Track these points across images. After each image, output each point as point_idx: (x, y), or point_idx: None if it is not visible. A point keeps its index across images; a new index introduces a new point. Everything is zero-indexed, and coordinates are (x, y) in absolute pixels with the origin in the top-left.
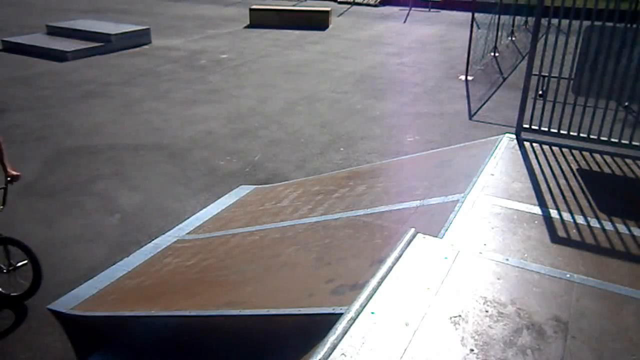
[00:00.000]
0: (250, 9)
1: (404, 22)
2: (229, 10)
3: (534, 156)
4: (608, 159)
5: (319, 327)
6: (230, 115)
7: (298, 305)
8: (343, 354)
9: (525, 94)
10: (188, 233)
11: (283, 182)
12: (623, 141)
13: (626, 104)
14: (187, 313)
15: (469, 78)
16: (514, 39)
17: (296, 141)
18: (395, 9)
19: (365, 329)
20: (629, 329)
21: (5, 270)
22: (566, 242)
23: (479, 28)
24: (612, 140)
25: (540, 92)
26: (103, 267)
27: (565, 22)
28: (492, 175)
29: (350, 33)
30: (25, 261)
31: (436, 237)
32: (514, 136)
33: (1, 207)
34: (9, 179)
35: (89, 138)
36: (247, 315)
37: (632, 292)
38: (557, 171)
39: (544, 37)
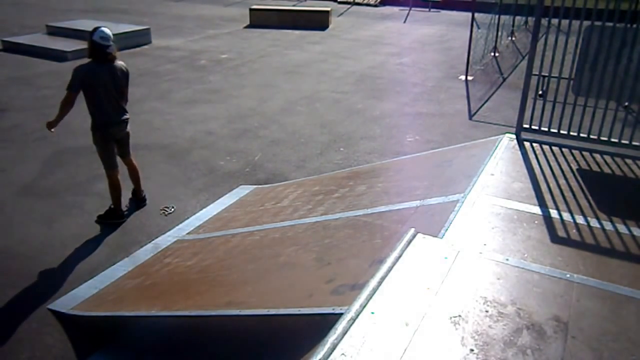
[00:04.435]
0: (250, 9)
1: (404, 22)
2: (229, 10)
3: (534, 156)
4: (608, 159)
5: (319, 327)
6: (230, 115)
7: (298, 305)
8: (343, 354)
9: (525, 94)
10: (188, 233)
11: (283, 182)
12: (623, 141)
13: (626, 104)
14: (187, 313)
15: (469, 78)
16: (514, 39)
17: (296, 141)
18: (395, 9)
19: (365, 329)
20: (629, 329)
21: None
22: (566, 242)
23: (479, 28)
24: (612, 140)
25: (540, 92)
26: (103, 267)
27: (565, 22)
28: (492, 175)
29: (350, 33)
30: None
31: (436, 237)
32: (514, 136)
33: None
34: None
35: (89, 138)
36: (247, 316)
37: (632, 292)
38: (557, 171)
39: (544, 37)
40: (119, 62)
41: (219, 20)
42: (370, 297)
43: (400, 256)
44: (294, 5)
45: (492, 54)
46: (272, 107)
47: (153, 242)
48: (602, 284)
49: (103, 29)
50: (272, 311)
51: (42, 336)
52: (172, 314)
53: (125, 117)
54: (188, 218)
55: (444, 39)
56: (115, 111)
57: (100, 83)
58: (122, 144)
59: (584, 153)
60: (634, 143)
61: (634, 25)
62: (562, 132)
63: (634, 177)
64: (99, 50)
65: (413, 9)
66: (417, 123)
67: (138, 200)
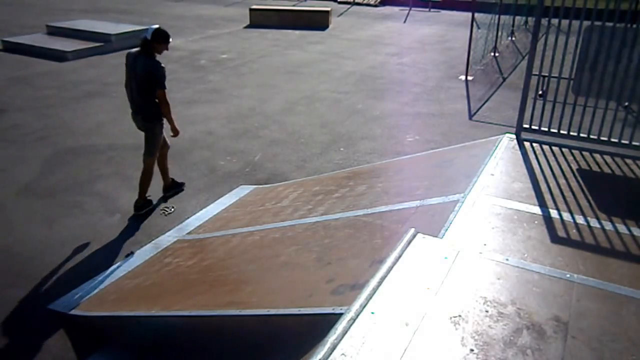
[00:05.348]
0: (250, 9)
1: (404, 22)
2: (229, 10)
3: (534, 156)
4: (608, 159)
5: (319, 327)
6: (231, 115)
7: (298, 305)
8: (343, 354)
9: (525, 94)
10: (188, 233)
11: (283, 182)
12: (623, 141)
13: (626, 104)
14: (187, 313)
15: (469, 78)
16: (514, 39)
17: (296, 141)
18: (395, 9)
19: (365, 329)
20: (629, 329)
21: None
22: (566, 242)
23: (479, 28)
24: (612, 140)
25: (540, 92)
26: (103, 267)
27: (565, 22)
28: (492, 175)
29: (351, 33)
30: None
31: (436, 237)
32: (514, 136)
33: None
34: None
35: (89, 138)
36: (247, 316)
37: (632, 292)
38: (557, 171)
39: (544, 37)
40: (151, 60)
41: (219, 20)
42: (370, 297)
43: (400, 256)
44: (294, 5)
45: (492, 54)
46: (272, 107)
47: (153, 242)
48: (602, 284)
49: (157, 26)
50: (272, 311)
51: (42, 336)
52: (172, 314)
53: (140, 111)
54: (188, 218)
55: (444, 39)
56: (133, 100)
57: (127, 69)
58: (145, 137)
59: (584, 153)
60: (634, 143)
61: (634, 25)
62: (562, 132)
63: (634, 177)
64: (141, 40)
65: (413, 9)
66: (417, 123)
67: (134, 207)
